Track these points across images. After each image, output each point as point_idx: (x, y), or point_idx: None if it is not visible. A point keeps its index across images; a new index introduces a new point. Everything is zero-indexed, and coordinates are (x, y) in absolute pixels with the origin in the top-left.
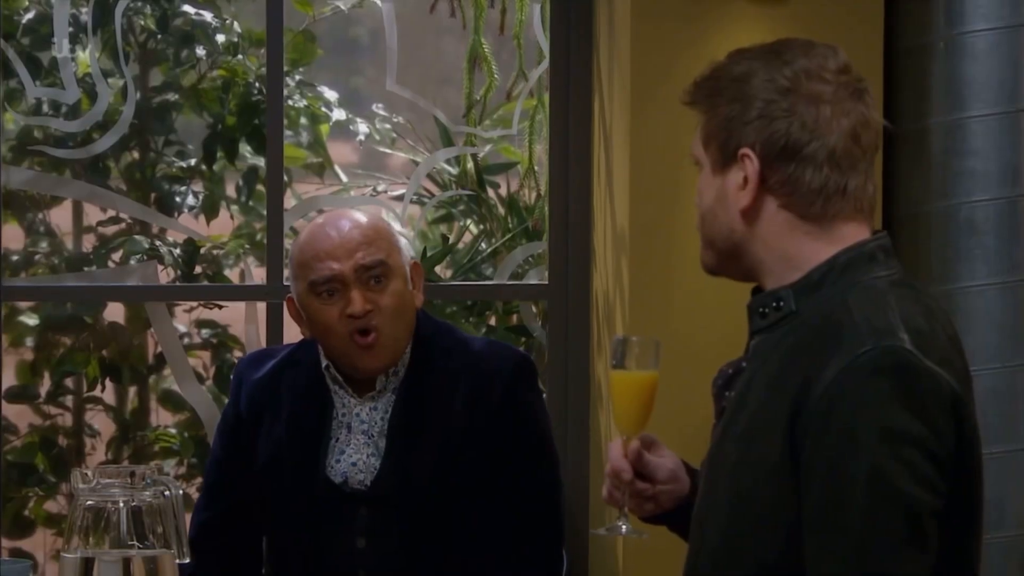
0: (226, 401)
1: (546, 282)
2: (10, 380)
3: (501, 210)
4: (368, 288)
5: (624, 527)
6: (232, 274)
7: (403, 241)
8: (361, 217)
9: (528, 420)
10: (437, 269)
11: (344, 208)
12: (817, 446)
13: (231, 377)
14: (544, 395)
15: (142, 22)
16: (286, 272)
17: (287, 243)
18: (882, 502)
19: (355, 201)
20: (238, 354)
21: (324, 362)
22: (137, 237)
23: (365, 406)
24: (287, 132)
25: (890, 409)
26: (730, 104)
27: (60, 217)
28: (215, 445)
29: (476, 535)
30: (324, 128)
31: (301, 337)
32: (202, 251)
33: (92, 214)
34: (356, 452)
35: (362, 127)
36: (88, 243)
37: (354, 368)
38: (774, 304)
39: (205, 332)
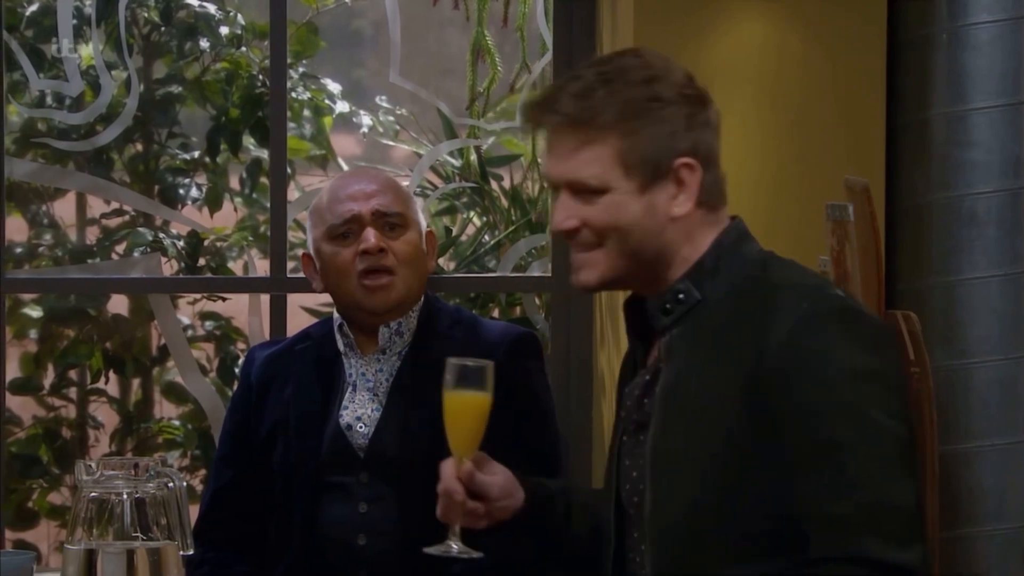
0: (230, 394)
1: (549, 274)
2: (14, 372)
3: (504, 202)
4: (383, 232)
5: (455, 547)
6: (235, 266)
7: (420, 204)
8: (383, 174)
9: (529, 390)
10: (441, 261)
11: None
12: (787, 400)
13: (242, 363)
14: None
15: (146, 14)
16: (290, 264)
17: (291, 235)
18: (865, 436)
19: None
20: (241, 346)
21: (338, 321)
22: (141, 229)
23: (371, 366)
24: (290, 124)
25: (847, 350)
26: (654, 127)
27: (64, 209)
28: (226, 421)
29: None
30: (327, 120)
31: (305, 328)
32: (205, 243)
33: (96, 206)
34: (361, 407)
35: (365, 119)
36: (92, 235)
37: (362, 310)
38: (677, 298)
39: (208, 324)
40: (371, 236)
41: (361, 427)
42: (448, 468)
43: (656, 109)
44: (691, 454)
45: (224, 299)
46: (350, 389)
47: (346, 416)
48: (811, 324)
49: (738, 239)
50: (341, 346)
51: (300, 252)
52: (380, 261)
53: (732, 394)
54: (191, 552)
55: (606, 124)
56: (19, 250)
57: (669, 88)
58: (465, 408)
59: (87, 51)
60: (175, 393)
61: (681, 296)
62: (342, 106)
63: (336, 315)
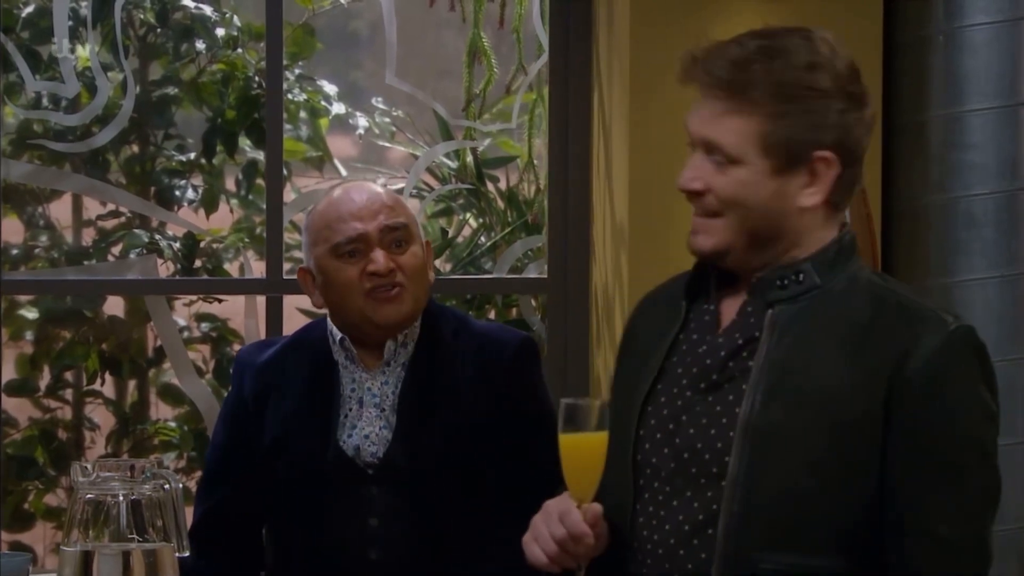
0: (226, 395)
1: (545, 276)
2: (10, 373)
3: (500, 204)
4: (390, 250)
5: None
6: (231, 268)
7: (416, 208)
8: (380, 187)
9: (532, 397)
10: (437, 263)
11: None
12: (923, 416)
13: (232, 366)
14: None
15: (142, 16)
16: (286, 266)
17: (287, 237)
18: (988, 474)
19: None
20: (237, 347)
21: (338, 335)
22: (137, 231)
23: (376, 380)
24: (286, 126)
25: (980, 388)
26: (803, 114)
27: (60, 211)
28: (217, 432)
29: (486, 513)
30: (323, 122)
31: (295, 332)
32: (202, 245)
33: (92, 208)
34: (368, 425)
35: (361, 121)
36: (88, 237)
37: (371, 324)
38: (793, 276)
39: (205, 326)
40: (380, 257)
41: (371, 446)
42: (572, 512)
43: (809, 98)
44: (797, 434)
45: (220, 301)
46: (356, 405)
47: (355, 436)
48: (953, 350)
49: (852, 242)
50: (341, 359)
51: (298, 266)
52: (392, 279)
53: (860, 392)
54: (187, 554)
55: (756, 100)
56: (15, 252)
57: (829, 79)
58: (584, 449)
59: (83, 52)
60: (171, 395)
61: (801, 276)
62: (338, 107)
63: (333, 327)
